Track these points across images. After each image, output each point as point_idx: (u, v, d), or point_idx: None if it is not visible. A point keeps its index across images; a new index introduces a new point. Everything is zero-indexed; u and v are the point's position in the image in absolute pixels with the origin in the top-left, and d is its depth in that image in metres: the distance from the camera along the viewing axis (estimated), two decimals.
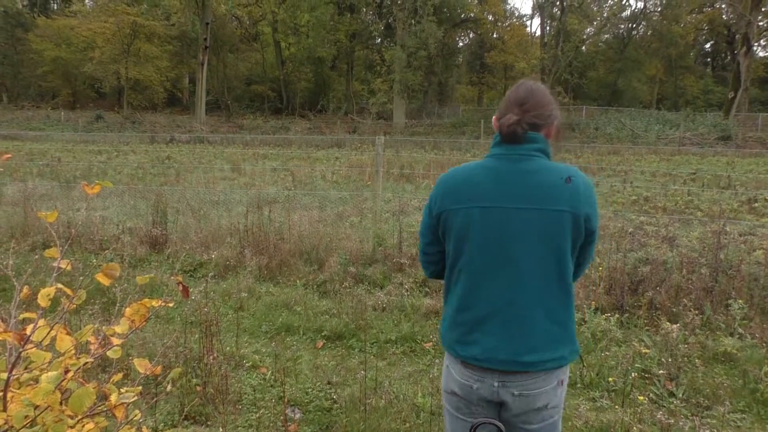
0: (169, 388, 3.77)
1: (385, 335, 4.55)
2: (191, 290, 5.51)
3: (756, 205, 10.51)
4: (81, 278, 4.81)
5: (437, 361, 4.16)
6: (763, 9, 40.91)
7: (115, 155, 19.21)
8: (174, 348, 3.93)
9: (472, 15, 45.33)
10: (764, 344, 4.39)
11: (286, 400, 2.99)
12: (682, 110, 39.77)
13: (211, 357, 3.40)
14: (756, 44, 42.98)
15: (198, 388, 3.52)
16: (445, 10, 39.40)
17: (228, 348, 4.17)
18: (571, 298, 1.79)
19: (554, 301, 1.75)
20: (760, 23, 42.54)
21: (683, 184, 13.46)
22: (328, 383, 3.73)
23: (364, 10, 45.57)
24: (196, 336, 4.05)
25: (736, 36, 38.14)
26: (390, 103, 36.36)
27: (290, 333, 4.65)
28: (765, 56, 52.86)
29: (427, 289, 5.50)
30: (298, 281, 5.83)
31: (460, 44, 53.77)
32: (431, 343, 4.39)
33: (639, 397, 3.09)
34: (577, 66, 44.41)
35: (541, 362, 1.73)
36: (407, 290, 5.35)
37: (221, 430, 2.96)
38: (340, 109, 43.84)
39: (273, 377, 3.76)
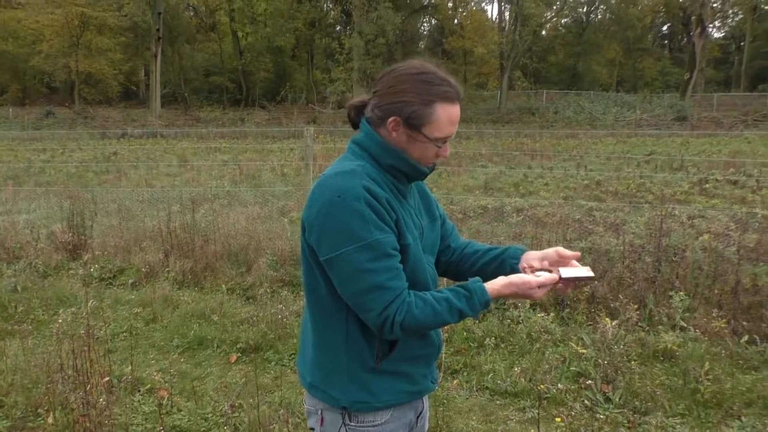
0: (50, 420, 3.36)
1: None
2: (102, 301, 5.06)
3: (707, 186, 10.42)
4: None
5: None
6: None
7: (60, 153, 18.36)
8: (63, 372, 3.50)
9: (432, 1, 44.88)
10: (706, 338, 4.16)
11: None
12: (640, 92, 40.16)
13: (88, 386, 2.99)
14: (710, 25, 43.63)
15: (81, 419, 3.11)
16: None
17: (128, 368, 3.76)
18: (323, 329, 1.45)
19: (308, 325, 1.52)
20: (714, 5, 43.16)
21: (637, 166, 13.37)
22: (232, 406, 3.36)
23: None
24: (92, 357, 3.62)
25: (692, 17, 38.55)
26: (350, 91, 35.78)
27: (203, 347, 4.25)
28: (719, 37, 53.79)
29: None
30: (223, 285, 5.42)
31: (422, 30, 53.33)
32: None
33: (557, 419, 2.78)
34: (536, 50, 44.40)
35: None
36: None
37: None
38: (300, 98, 43.06)
39: (170, 402, 3.37)
